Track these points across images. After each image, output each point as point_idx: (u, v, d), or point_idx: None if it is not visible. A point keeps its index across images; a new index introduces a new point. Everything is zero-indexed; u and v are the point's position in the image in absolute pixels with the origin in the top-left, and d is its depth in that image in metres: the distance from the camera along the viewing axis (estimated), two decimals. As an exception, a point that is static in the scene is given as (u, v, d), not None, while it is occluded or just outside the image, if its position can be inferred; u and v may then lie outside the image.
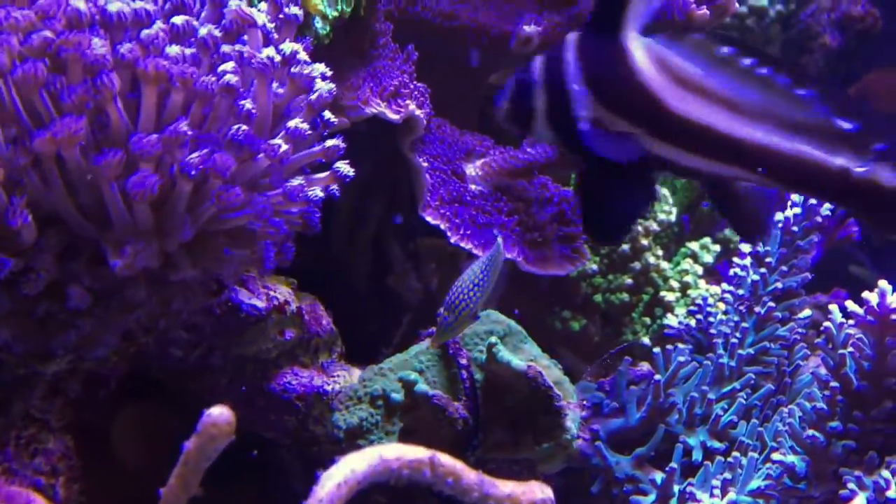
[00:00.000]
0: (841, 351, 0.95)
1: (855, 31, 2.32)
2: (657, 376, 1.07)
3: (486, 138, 1.24)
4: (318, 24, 0.98)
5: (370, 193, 1.51)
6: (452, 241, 1.12)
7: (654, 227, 1.46)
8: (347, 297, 1.55)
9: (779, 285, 1.13)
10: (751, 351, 1.11)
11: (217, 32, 0.68)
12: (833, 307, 0.97)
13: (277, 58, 0.67)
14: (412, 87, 1.12)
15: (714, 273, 1.65)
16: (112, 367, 0.81)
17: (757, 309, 1.12)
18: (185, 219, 0.64)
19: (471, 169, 1.18)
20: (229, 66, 0.65)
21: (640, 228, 1.43)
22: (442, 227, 1.11)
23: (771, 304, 1.12)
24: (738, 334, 1.12)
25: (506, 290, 1.48)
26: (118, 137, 0.63)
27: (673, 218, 1.56)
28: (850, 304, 0.92)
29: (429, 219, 1.12)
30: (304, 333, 1.04)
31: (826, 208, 1.13)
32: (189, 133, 0.62)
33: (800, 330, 1.16)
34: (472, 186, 1.17)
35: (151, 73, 0.60)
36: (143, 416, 1.03)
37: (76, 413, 0.84)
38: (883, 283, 0.90)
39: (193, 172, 0.65)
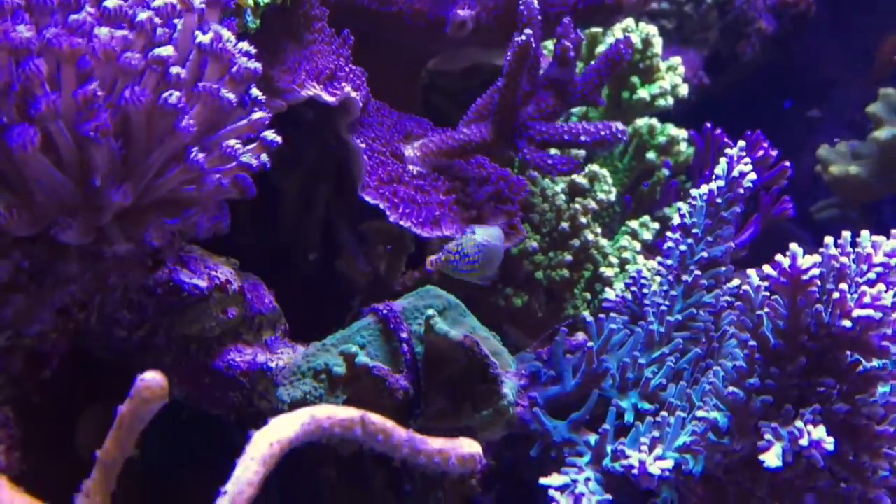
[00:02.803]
0: (758, 312, 1.00)
1: (790, 16, 2.41)
2: (590, 344, 1.12)
3: (425, 121, 1.28)
4: (249, 16, 1.00)
5: (317, 178, 1.54)
6: (392, 219, 1.15)
7: (593, 205, 1.51)
8: (297, 281, 1.58)
9: (704, 255, 1.19)
10: (679, 317, 1.16)
11: (157, 20, 0.70)
12: (751, 271, 1.03)
13: (206, 39, 0.69)
14: (348, 70, 1.15)
15: (655, 249, 1.71)
16: (53, 345, 0.82)
17: (684, 278, 1.18)
18: (122, 187, 0.66)
19: (409, 150, 1.21)
20: (168, 49, 0.67)
21: (578, 207, 1.48)
22: (381, 206, 1.14)
23: (697, 272, 1.17)
24: (667, 302, 1.17)
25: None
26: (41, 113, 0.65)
27: (612, 197, 1.61)
28: (766, 268, 0.98)
29: (368, 198, 1.15)
30: (247, 312, 1.07)
31: (748, 180, 1.19)
32: (99, 93, 0.64)
33: (727, 298, 1.22)
34: (411, 167, 1.20)
35: (66, 52, 0.62)
36: (104, 416, 1.05)
37: (19, 389, 0.85)
38: (793, 246, 0.96)
39: (92, 132, 0.66)
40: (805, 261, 0.95)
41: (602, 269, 1.50)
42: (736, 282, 1.27)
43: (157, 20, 0.69)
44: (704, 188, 1.20)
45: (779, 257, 0.97)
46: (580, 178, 1.56)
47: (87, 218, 0.68)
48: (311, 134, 1.43)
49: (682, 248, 1.19)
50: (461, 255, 1.10)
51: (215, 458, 1.17)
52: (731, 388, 0.99)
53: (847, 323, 0.93)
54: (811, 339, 0.97)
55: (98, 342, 0.98)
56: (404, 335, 1.09)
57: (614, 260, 1.53)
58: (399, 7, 1.26)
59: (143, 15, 0.68)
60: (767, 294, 1.01)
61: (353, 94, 1.13)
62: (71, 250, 0.71)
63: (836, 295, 0.94)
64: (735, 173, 1.18)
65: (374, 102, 1.24)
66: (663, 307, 1.17)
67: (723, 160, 1.19)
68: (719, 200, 1.19)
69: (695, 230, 1.20)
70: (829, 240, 0.99)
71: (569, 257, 1.46)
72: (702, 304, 1.17)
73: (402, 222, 1.15)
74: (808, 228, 2.54)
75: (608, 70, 1.15)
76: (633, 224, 1.67)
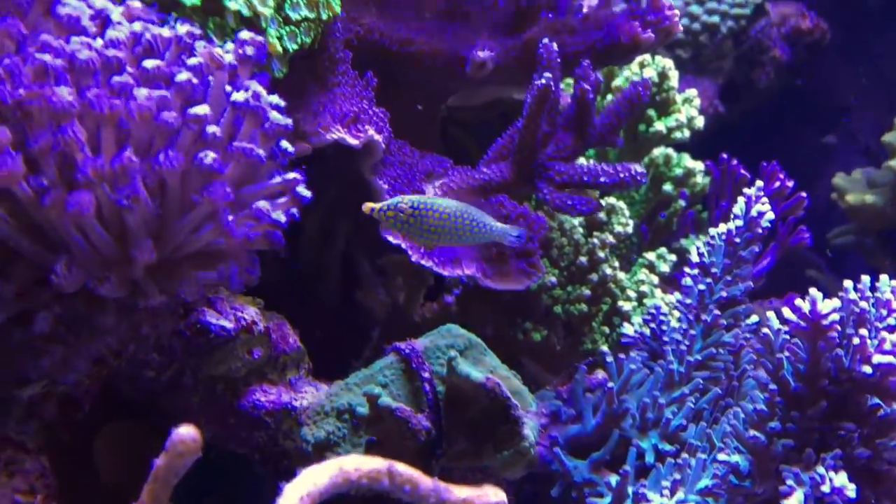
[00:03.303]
0: (778, 355, 1.01)
1: (804, 44, 2.42)
2: (610, 384, 1.13)
3: (445, 160, 1.30)
4: (276, 64, 1.03)
5: (337, 212, 1.56)
6: (413, 259, 1.17)
7: (611, 239, 1.52)
8: (317, 313, 1.60)
9: (723, 294, 1.19)
10: (699, 357, 1.17)
11: (195, 80, 0.73)
12: (770, 314, 1.04)
13: (241, 97, 0.71)
14: (371, 112, 1.17)
15: (673, 281, 1.72)
16: (86, 390, 0.84)
17: (704, 317, 1.18)
18: (145, 242, 0.68)
19: (430, 189, 1.23)
20: (204, 108, 0.69)
21: (596, 241, 1.49)
22: (403, 246, 1.16)
23: (716, 311, 1.18)
24: (686, 342, 1.18)
25: (468, 306, 1.53)
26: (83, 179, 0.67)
27: (630, 230, 1.62)
28: (786, 312, 0.99)
29: (390, 238, 1.17)
30: (272, 352, 1.09)
31: (766, 220, 1.20)
32: (135, 160, 0.66)
33: (746, 335, 1.23)
34: (432, 206, 1.22)
35: (106, 114, 0.65)
36: (120, 435, 1.07)
37: (53, 434, 0.87)
38: (813, 291, 0.96)
39: (125, 201, 0.68)
40: (825, 305, 0.96)
41: (620, 303, 1.51)
42: (755, 318, 1.28)
43: (194, 80, 0.72)
44: (723, 227, 1.21)
45: (799, 302, 0.97)
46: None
47: (123, 272, 0.70)
48: (333, 169, 1.45)
49: (701, 287, 1.20)
50: (416, 220, 0.99)
51: (242, 496, 1.19)
52: (751, 432, 1.00)
53: (867, 369, 0.93)
54: (832, 384, 0.97)
55: (127, 383, 1.00)
56: (426, 375, 1.11)
57: (632, 293, 1.54)
58: (419, 48, 1.28)
59: (182, 76, 0.70)
60: (787, 337, 1.02)
61: (377, 137, 1.15)
62: (107, 303, 0.73)
63: (856, 340, 0.95)
64: (753, 213, 1.19)
65: (395, 142, 1.26)
66: (683, 347, 1.18)
67: (741, 199, 1.20)
68: (738, 240, 1.20)
69: (714, 269, 1.21)
70: (848, 284, 0.99)
71: (587, 292, 1.47)
72: (721, 344, 1.18)
73: (423, 262, 1.17)
74: (823, 255, 2.54)
75: (626, 112, 1.17)
76: (651, 256, 1.68)
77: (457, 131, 1.84)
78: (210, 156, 0.68)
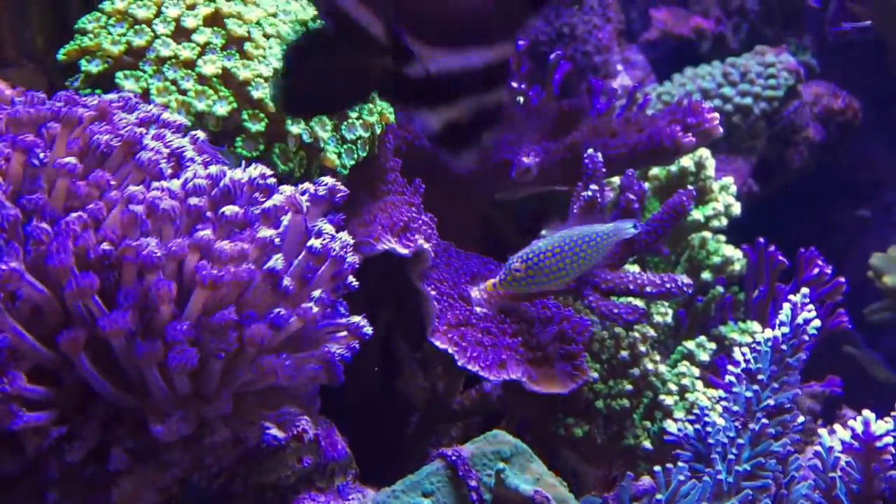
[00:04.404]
0: (831, 474, 1.00)
1: (836, 123, 2.44)
2: (658, 496, 1.12)
3: (490, 261, 1.32)
4: (340, 169, 1.07)
5: (378, 300, 1.59)
6: (460, 364, 1.18)
7: (651, 332, 1.52)
8: (356, 400, 1.61)
9: (771, 402, 1.19)
10: (747, 467, 1.16)
11: (276, 238, 0.76)
12: (822, 431, 1.03)
13: (319, 244, 0.75)
14: (421, 221, 1.20)
15: (712, 366, 1.71)
16: (146, 512, 0.86)
17: (751, 426, 1.18)
18: (225, 394, 0.71)
19: (475, 292, 1.25)
20: (280, 261, 0.72)
21: (637, 335, 1.50)
22: (450, 350, 1.18)
23: (764, 420, 1.18)
24: (734, 450, 1.17)
25: (508, 397, 1.54)
26: (162, 326, 0.70)
27: (669, 319, 1.63)
28: (839, 430, 0.98)
29: (437, 343, 1.18)
30: (321, 459, 1.09)
31: (813, 327, 1.20)
32: (233, 318, 0.70)
33: (794, 435, 1.22)
34: (478, 309, 1.24)
35: (209, 284, 0.68)
36: None
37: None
38: (867, 413, 0.96)
39: (222, 356, 0.71)
40: (878, 427, 0.96)
41: (662, 397, 1.51)
42: (801, 419, 1.27)
43: (276, 240, 0.75)
44: (769, 333, 1.21)
45: (852, 423, 0.97)
46: (637, 302, 1.58)
47: (195, 411, 0.73)
48: (376, 258, 1.48)
49: (749, 394, 1.20)
50: (535, 269, 1.04)
51: None
52: (805, 551, 0.99)
53: (924, 494, 0.92)
54: (886, 505, 0.96)
55: (180, 491, 1.02)
56: (473, 483, 1.11)
57: (673, 387, 1.54)
58: (466, 152, 1.32)
59: (265, 233, 0.74)
60: (839, 455, 1.01)
61: (426, 246, 1.17)
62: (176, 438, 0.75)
63: (911, 464, 0.94)
64: (799, 320, 1.20)
65: (441, 243, 1.29)
66: (731, 455, 1.17)
67: (786, 306, 1.20)
68: (784, 347, 1.20)
69: (760, 376, 1.21)
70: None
71: (629, 386, 1.48)
72: (770, 454, 1.17)
73: (469, 366, 1.18)
74: (861, 330, 2.51)
75: (672, 221, 1.19)
76: (690, 345, 1.68)
77: (497, 214, 1.87)
78: (280, 311, 0.71)
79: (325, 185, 0.81)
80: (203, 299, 0.69)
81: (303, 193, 0.80)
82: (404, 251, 1.16)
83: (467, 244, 1.39)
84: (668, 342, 1.79)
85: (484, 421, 1.65)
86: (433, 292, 1.19)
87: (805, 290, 1.23)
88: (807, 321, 1.19)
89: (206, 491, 1.04)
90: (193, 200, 0.73)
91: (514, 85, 1.59)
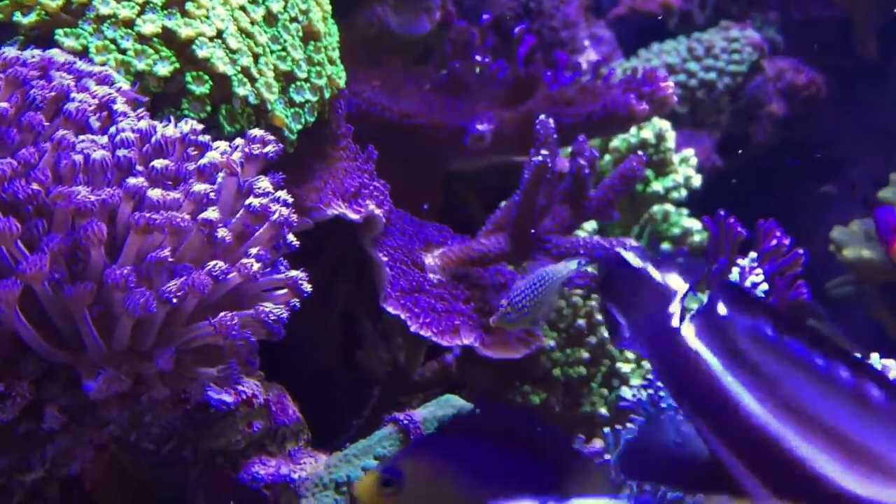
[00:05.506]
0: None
1: (800, 99, 2.46)
2: (607, 456, 1.14)
3: (445, 228, 1.32)
4: (287, 133, 1.06)
5: (338, 271, 1.59)
6: (412, 329, 1.19)
7: (609, 301, 1.54)
8: (316, 371, 1.61)
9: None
10: (694, 428, 1.18)
11: (211, 193, 0.75)
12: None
13: (257, 202, 0.74)
14: (372, 186, 1.20)
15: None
16: (88, 472, 0.86)
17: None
18: (165, 350, 0.71)
19: (430, 259, 1.26)
20: (215, 212, 0.72)
21: (594, 304, 1.51)
22: (402, 316, 1.18)
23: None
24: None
25: (466, 365, 1.55)
26: (95, 272, 0.70)
27: (628, 289, 1.64)
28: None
29: (390, 309, 1.19)
30: (272, 424, 1.10)
31: (761, 291, 1.22)
32: (169, 260, 0.69)
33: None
34: (431, 276, 1.24)
35: (142, 226, 0.67)
36: None
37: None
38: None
39: (174, 300, 0.71)
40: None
41: (618, 365, 1.52)
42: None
43: (211, 194, 0.74)
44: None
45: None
46: (595, 271, 1.59)
47: (132, 368, 0.73)
48: (335, 230, 1.48)
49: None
50: (513, 308, 1.10)
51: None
52: None
53: None
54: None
55: (127, 455, 1.02)
56: (424, 446, 1.12)
57: (631, 354, 1.55)
58: (420, 120, 1.32)
59: (199, 187, 0.73)
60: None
61: (377, 211, 1.17)
62: (112, 395, 0.75)
63: None
64: (748, 284, 1.21)
65: (396, 212, 1.29)
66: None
67: (735, 271, 1.22)
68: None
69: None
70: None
71: (586, 354, 1.49)
72: (717, 415, 1.19)
73: (421, 332, 1.19)
74: (824, 304, 2.55)
75: (622, 186, 1.20)
76: (649, 315, 1.70)
77: (458, 185, 1.87)
78: (220, 265, 0.71)
79: (259, 139, 0.81)
80: (138, 245, 0.69)
81: (236, 149, 0.80)
82: (354, 216, 1.16)
83: (425, 214, 1.39)
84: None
85: (445, 392, 1.66)
86: (385, 258, 1.20)
87: (753, 254, 1.24)
88: (755, 284, 1.21)
89: (155, 456, 1.05)
90: (122, 152, 0.72)
91: (479, 58, 1.59)
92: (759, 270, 1.21)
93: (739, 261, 1.23)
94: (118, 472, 1.02)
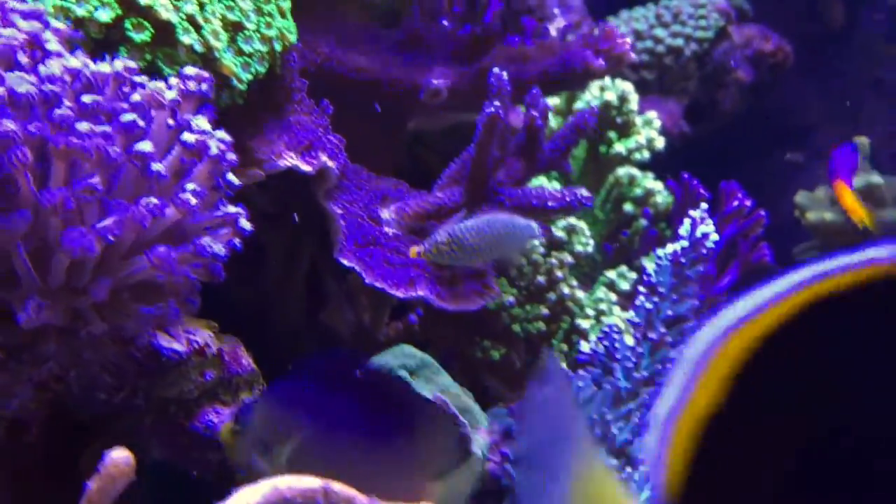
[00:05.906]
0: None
1: (767, 66, 2.48)
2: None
3: (402, 183, 1.33)
4: (236, 83, 1.06)
5: (303, 232, 1.59)
6: (367, 281, 1.20)
7: (570, 259, 1.55)
8: (282, 333, 1.62)
9: (670, 312, 1.23)
10: (645, 374, 1.20)
11: (141, 122, 0.76)
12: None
13: (193, 138, 0.75)
14: (326, 139, 1.20)
15: (634, 297, 1.75)
16: (32, 414, 0.86)
17: (650, 335, 1.22)
18: (103, 282, 0.71)
19: (386, 213, 1.26)
20: (148, 145, 0.72)
21: (555, 260, 1.52)
22: (357, 269, 1.19)
23: (662, 329, 1.21)
24: (634, 359, 1.21)
25: (429, 324, 1.56)
26: (26, 202, 0.70)
27: (591, 249, 1.66)
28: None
29: (345, 262, 1.20)
30: (225, 373, 1.11)
31: (711, 241, 1.23)
32: (100, 188, 0.69)
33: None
34: (387, 229, 1.25)
35: (62, 149, 0.67)
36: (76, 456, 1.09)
37: (5, 457, 0.89)
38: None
39: (111, 237, 0.72)
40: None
41: (578, 321, 1.54)
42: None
43: (140, 122, 0.74)
44: (669, 248, 1.25)
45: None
46: (558, 232, 1.61)
47: (67, 301, 0.73)
48: (300, 190, 1.48)
49: (649, 306, 1.23)
50: (452, 240, 1.09)
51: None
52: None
53: None
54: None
55: (80, 405, 1.02)
56: (378, 394, 1.13)
57: (591, 311, 1.57)
58: (377, 76, 1.32)
59: (126, 117, 0.73)
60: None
61: (330, 164, 1.18)
62: (49, 330, 0.75)
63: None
64: (698, 234, 1.23)
65: (352, 167, 1.29)
66: (630, 364, 1.21)
67: (686, 221, 1.24)
68: (683, 260, 1.24)
69: (661, 289, 1.24)
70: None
71: (545, 310, 1.51)
72: (667, 360, 1.21)
73: (377, 284, 1.20)
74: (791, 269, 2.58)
75: (573, 137, 1.21)
76: (611, 274, 1.72)
77: (423, 151, 1.88)
78: (153, 201, 0.71)
79: (194, 77, 0.81)
80: (63, 174, 0.69)
81: (170, 88, 0.80)
82: (307, 168, 1.16)
83: (384, 172, 1.39)
84: (594, 274, 1.82)
85: (410, 352, 1.67)
86: (340, 211, 1.20)
87: (704, 205, 1.26)
88: (705, 235, 1.23)
89: (107, 405, 1.05)
90: (49, 87, 0.72)
91: (445, 24, 1.59)
92: (709, 221, 1.23)
93: (691, 212, 1.25)
94: (67, 420, 1.03)
